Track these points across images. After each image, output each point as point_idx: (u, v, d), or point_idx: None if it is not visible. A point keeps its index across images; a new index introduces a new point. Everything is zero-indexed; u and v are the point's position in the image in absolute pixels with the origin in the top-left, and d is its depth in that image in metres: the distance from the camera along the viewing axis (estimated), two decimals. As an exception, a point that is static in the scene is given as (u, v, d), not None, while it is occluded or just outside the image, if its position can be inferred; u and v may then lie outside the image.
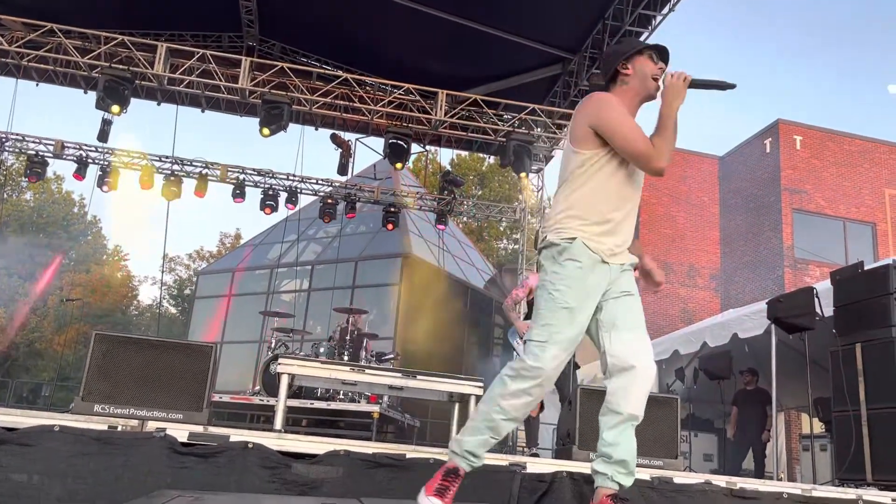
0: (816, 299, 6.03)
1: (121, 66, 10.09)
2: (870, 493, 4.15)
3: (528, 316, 5.95)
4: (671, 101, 2.64)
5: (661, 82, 2.74)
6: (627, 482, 2.65)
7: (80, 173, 12.74)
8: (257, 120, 10.41)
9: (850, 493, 4.10)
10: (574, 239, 2.66)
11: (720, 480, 3.75)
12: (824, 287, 6.14)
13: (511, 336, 6.00)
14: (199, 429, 3.58)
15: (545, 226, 2.83)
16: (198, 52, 10.43)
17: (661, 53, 2.81)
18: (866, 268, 5.83)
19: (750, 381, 8.98)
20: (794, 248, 15.84)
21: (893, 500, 4.05)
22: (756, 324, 7.75)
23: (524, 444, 9.36)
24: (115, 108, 10.05)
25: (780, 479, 9.82)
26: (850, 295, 5.67)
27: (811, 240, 15.83)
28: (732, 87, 2.73)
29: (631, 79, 2.78)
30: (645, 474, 3.86)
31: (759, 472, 8.82)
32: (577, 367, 5.99)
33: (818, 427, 8.78)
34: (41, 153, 12.84)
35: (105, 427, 3.39)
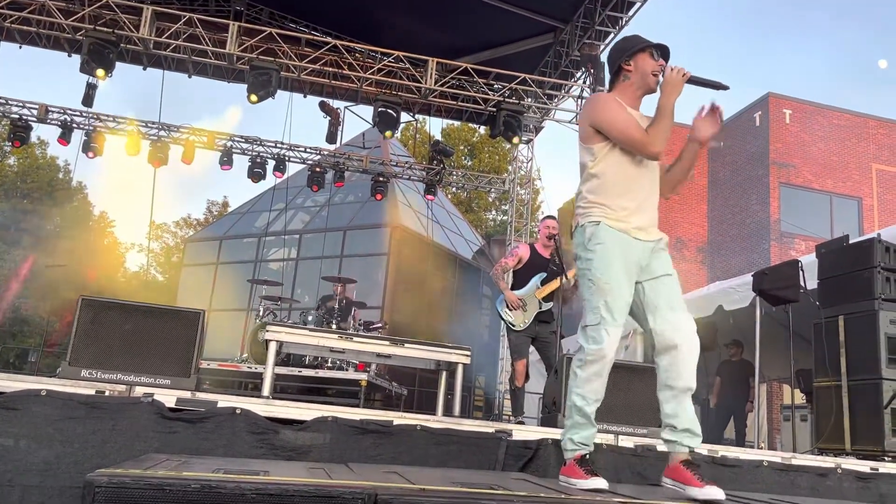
0: (801, 272, 6.08)
1: (105, 29, 9.91)
2: (848, 462, 4.23)
3: (514, 286, 5.96)
4: (668, 94, 2.90)
5: (661, 77, 2.96)
6: (696, 443, 2.83)
7: (64, 138, 12.57)
8: (245, 86, 10.29)
9: (828, 461, 4.18)
10: (599, 223, 2.89)
11: (702, 448, 3.80)
12: (809, 260, 6.19)
13: (499, 305, 6.02)
14: (186, 394, 3.59)
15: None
16: (184, 16, 10.26)
17: (662, 51, 3.03)
18: (851, 241, 5.88)
19: (735, 353, 9.08)
20: (780, 222, 15.93)
21: (872, 469, 4.13)
22: (741, 296, 7.80)
23: (510, 413, 9.46)
24: (100, 72, 9.89)
25: (761, 449, 10.00)
26: (834, 268, 5.73)
27: (798, 214, 15.91)
28: (726, 88, 2.95)
29: (633, 75, 3.02)
30: (629, 442, 3.91)
31: (741, 441, 8.97)
32: (561, 336, 6.03)
33: (800, 398, 8.92)
34: (25, 117, 12.64)
35: (92, 392, 3.39)
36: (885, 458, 4.70)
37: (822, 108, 17.15)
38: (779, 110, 16.77)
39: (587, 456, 2.85)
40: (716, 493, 2.62)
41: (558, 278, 5.70)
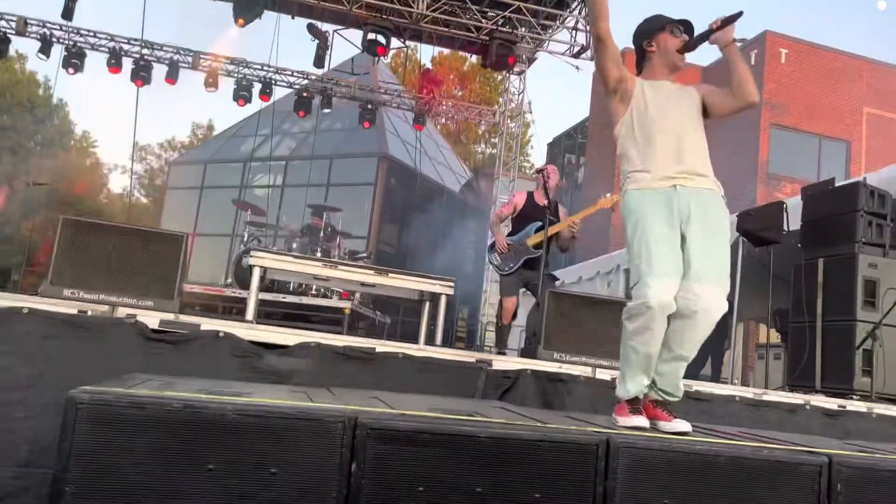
0: (785, 214, 6.11)
1: (85, -61, 9.50)
2: (817, 399, 4.36)
3: (510, 233, 5.99)
4: (725, 47, 2.99)
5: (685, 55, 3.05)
6: (673, 400, 2.94)
7: (43, 52, 12.19)
8: (230, 5, 9.97)
9: (798, 398, 4.31)
10: (627, 191, 2.95)
11: (677, 383, 3.89)
12: (794, 203, 6.22)
13: (489, 251, 6.09)
14: (170, 316, 3.60)
15: None
16: (167, -72, 9.83)
17: (685, 25, 3.05)
18: (837, 185, 5.90)
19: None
20: (768, 164, 15.92)
21: (840, 406, 4.26)
22: (724, 236, 7.88)
23: (491, 346, 9.60)
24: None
25: (735, 385, 10.26)
26: (818, 210, 5.77)
27: (786, 156, 15.90)
28: (741, 13, 2.93)
29: (656, 55, 3.08)
30: (606, 375, 4.00)
31: (716, 379, 9.19)
32: (553, 278, 6.10)
33: (775, 338, 9.11)
34: (2, 29, 12.21)
35: (75, 311, 3.39)
36: (854, 397, 4.84)
37: (817, 49, 16.94)
38: (775, 49, 16.54)
39: (638, 397, 2.87)
40: (683, 426, 2.75)
41: (560, 224, 5.73)
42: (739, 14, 2.93)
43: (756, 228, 6.17)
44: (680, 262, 2.80)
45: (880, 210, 5.41)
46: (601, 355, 4.25)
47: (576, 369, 4.05)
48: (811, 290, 5.46)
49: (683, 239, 2.84)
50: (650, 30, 3.07)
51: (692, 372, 9.18)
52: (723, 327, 8.95)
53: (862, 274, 5.15)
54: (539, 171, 6.02)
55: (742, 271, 7.66)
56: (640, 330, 2.79)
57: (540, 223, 5.74)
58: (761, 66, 16.39)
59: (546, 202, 5.77)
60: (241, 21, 9.74)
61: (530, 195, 6.04)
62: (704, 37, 2.99)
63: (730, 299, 8.74)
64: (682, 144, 2.95)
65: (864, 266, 5.18)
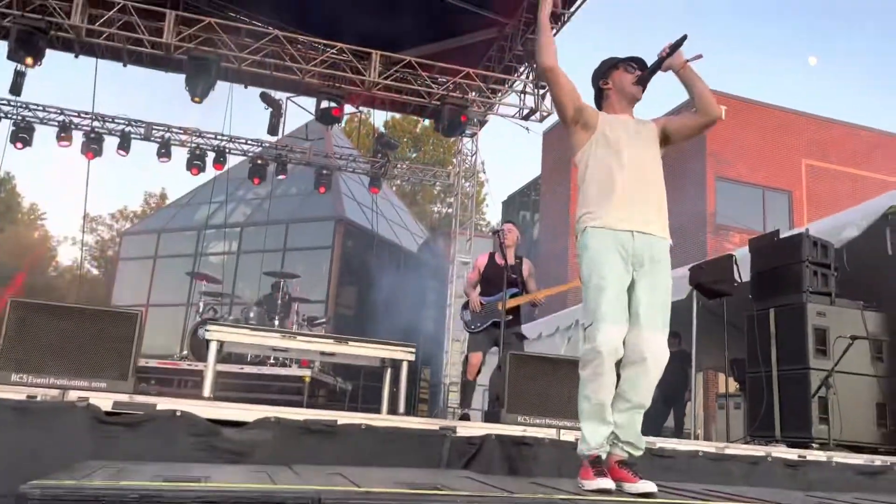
0: (735, 266, 6.28)
1: (34, 16, 9.50)
2: (778, 450, 4.41)
3: (484, 295, 6.06)
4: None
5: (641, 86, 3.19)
6: (636, 454, 2.97)
7: (-10, 128, 12.04)
8: (183, 76, 10.02)
9: (760, 450, 4.35)
10: (585, 229, 3.04)
11: (641, 440, 3.90)
12: (743, 253, 6.40)
13: (462, 308, 6.19)
14: (124, 398, 3.50)
15: None
16: (118, 3, 9.91)
17: (637, 62, 3.20)
18: (782, 236, 6.10)
19: (672, 343, 9.28)
20: (716, 215, 16.39)
21: (800, 456, 4.32)
22: (678, 288, 7.91)
23: (455, 406, 9.51)
24: (29, 60, 9.50)
25: (698, 437, 10.31)
26: (766, 262, 5.95)
27: (732, 206, 16.40)
28: (685, 37, 3.13)
29: (612, 92, 3.23)
30: (570, 436, 3.99)
31: (679, 431, 9.24)
32: (522, 338, 6.15)
33: (734, 387, 9.23)
34: (-53, 106, 12.04)
35: (23, 397, 3.28)
36: (813, 445, 4.91)
37: (755, 105, 17.70)
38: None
39: (601, 457, 2.88)
40: (648, 486, 2.75)
41: (525, 297, 5.90)
42: (684, 38, 3.13)
43: (708, 281, 6.32)
44: (627, 306, 2.92)
45: (824, 260, 5.60)
46: (565, 416, 4.25)
47: (540, 431, 4.04)
48: (765, 340, 5.59)
49: (632, 283, 2.96)
50: (604, 69, 3.25)
51: (654, 426, 9.25)
52: (683, 379, 9.10)
53: (812, 323, 5.30)
54: (495, 232, 6.14)
55: (698, 322, 7.82)
56: (591, 377, 2.87)
57: (516, 290, 5.88)
58: (703, 122, 17.02)
59: (504, 262, 5.87)
60: (196, 99, 9.78)
61: (491, 256, 6.15)
62: (658, 65, 3.16)
63: (688, 350, 8.82)
64: (641, 185, 3.07)
65: (813, 315, 5.33)
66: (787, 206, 17.14)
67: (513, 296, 5.88)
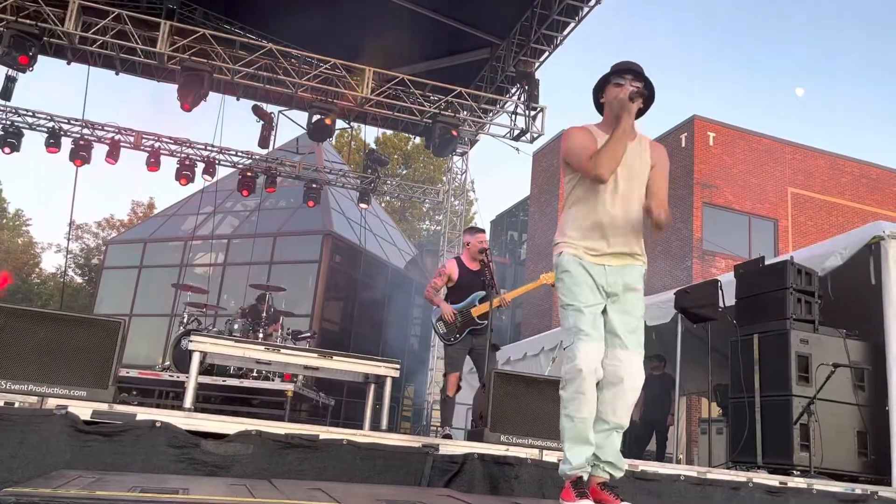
0: (720, 291, 6.31)
1: (28, 21, 9.48)
2: (759, 476, 4.42)
3: (450, 302, 5.94)
4: (618, 119, 3.04)
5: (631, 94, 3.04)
6: (618, 475, 2.99)
7: (-22, 132, 11.97)
8: (175, 86, 10.02)
9: (741, 475, 4.35)
10: (562, 253, 3.10)
11: (623, 463, 3.90)
12: (728, 279, 6.44)
13: (434, 319, 6.01)
14: (103, 406, 3.46)
15: None
16: (113, 12, 9.93)
17: (633, 73, 3.13)
18: (767, 262, 6.15)
19: (657, 367, 9.34)
20: (702, 241, 16.51)
21: (781, 483, 4.32)
22: (663, 312, 8.05)
23: (438, 424, 9.47)
24: (21, 65, 9.47)
25: (680, 461, 10.31)
26: (750, 288, 5.98)
27: (719, 233, 16.53)
28: (643, 81, 3.11)
29: (606, 108, 3.23)
30: (553, 457, 3.98)
31: (661, 455, 9.22)
32: (496, 348, 6.06)
33: (717, 412, 9.25)
34: (-65, 108, 11.97)
35: (1, 403, 3.23)
36: (794, 472, 4.92)
37: (743, 133, 17.90)
38: (703, 133, 17.41)
39: (583, 478, 2.89)
40: None
41: (495, 299, 5.72)
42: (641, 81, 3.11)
43: (693, 306, 6.34)
44: (603, 328, 2.99)
45: (808, 287, 5.65)
46: (548, 436, 4.24)
47: (523, 451, 4.02)
48: (748, 365, 5.61)
49: (607, 306, 3.03)
50: (599, 85, 3.26)
51: (637, 449, 9.24)
52: (666, 402, 9.11)
53: (795, 350, 5.33)
54: (475, 234, 6.06)
55: (682, 346, 7.84)
56: (573, 396, 2.90)
57: (482, 293, 5.80)
58: (691, 148, 17.20)
59: (478, 267, 5.84)
60: (186, 106, 9.77)
61: (461, 261, 6.03)
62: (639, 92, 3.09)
63: (672, 374, 8.84)
64: (623, 216, 3.06)
65: (796, 342, 5.36)
66: (772, 233, 17.29)
67: (482, 300, 5.83)
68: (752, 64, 62.97)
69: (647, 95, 3.13)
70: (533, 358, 11.47)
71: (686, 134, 17.53)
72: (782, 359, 5.34)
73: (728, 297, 6.25)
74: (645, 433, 9.43)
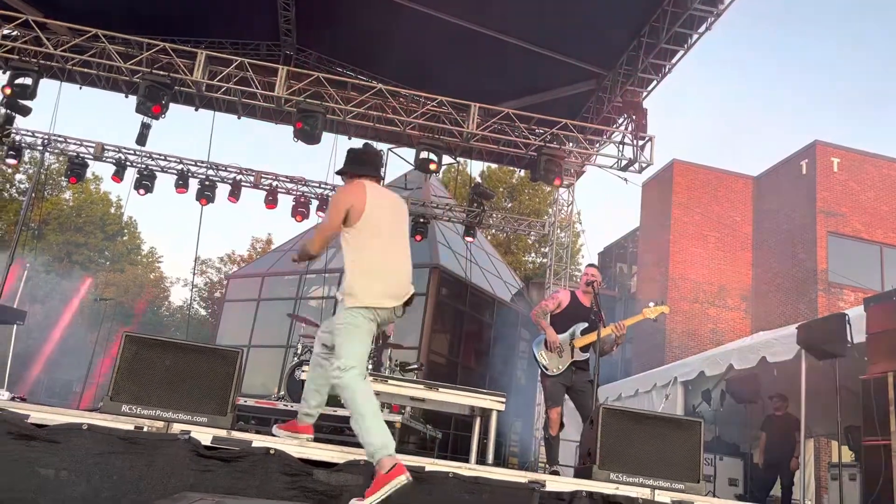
0: (848, 326, 5.91)
1: (161, 72, 10.30)
2: (898, 527, 4.06)
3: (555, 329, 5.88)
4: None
5: None
6: None
7: (118, 175, 13.04)
8: (291, 128, 10.56)
9: (877, 525, 4.01)
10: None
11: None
12: (856, 313, 6.03)
13: (536, 346, 5.95)
14: (222, 433, 3.63)
15: None
16: (236, 60, 10.62)
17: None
18: (901, 295, 5.71)
19: (779, 407, 8.81)
20: (828, 272, 15.54)
21: (922, 535, 3.95)
22: (786, 348, 7.61)
23: (545, 462, 9.30)
24: (155, 113, 10.26)
25: (807, 508, 9.61)
26: (883, 322, 5.56)
27: (846, 264, 15.52)
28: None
29: None
30: (666, 497, 3.82)
31: (787, 501, 8.64)
32: (598, 385, 5.92)
33: (848, 455, 8.59)
34: (82, 155, 13.15)
35: (132, 427, 3.46)
36: (939, 525, 4.49)
37: (870, 157, 16.84)
38: (826, 158, 16.51)
39: None
40: None
41: (597, 331, 5.63)
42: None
43: (818, 341, 5.98)
44: None
45: (949, 322, 5.20)
46: (660, 475, 4.07)
47: (633, 490, 3.88)
48: (882, 406, 5.20)
49: None
50: None
51: (760, 494, 8.69)
52: (790, 443, 8.55)
53: (936, 389, 4.90)
54: (586, 268, 6.04)
55: (807, 385, 7.36)
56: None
57: (585, 324, 5.70)
58: (813, 174, 16.34)
59: (589, 302, 5.75)
60: (299, 139, 10.27)
61: (574, 294, 6.00)
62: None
63: (796, 415, 8.32)
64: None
65: (937, 381, 4.93)
66: (906, 264, 16.06)
67: (584, 331, 5.72)
68: (878, 83, 59.30)
69: None
70: (645, 394, 11.09)
71: (807, 160, 16.68)
72: (922, 399, 4.92)
73: (857, 333, 5.85)
74: (768, 477, 8.88)
